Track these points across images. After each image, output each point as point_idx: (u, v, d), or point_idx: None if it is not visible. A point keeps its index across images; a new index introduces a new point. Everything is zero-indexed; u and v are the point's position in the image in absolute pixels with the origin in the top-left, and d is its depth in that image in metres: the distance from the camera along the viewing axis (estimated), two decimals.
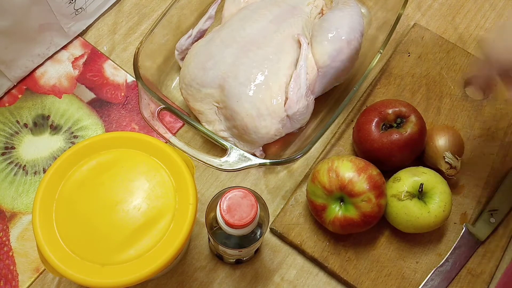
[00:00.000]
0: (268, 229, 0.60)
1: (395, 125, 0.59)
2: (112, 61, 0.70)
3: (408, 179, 0.56)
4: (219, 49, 0.59)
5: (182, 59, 0.65)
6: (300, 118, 0.59)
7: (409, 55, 0.70)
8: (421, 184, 0.55)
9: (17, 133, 0.64)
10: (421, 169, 0.57)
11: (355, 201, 0.53)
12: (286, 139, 0.63)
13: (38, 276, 0.57)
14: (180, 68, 0.64)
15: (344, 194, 0.54)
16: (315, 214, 0.57)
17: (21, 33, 0.61)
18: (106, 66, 0.69)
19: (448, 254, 0.59)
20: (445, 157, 0.58)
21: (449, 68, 0.69)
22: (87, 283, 0.43)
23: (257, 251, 0.59)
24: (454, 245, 0.59)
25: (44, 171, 0.62)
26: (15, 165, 0.63)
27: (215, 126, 0.61)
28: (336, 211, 0.55)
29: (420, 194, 0.55)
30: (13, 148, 0.63)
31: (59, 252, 0.44)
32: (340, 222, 0.55)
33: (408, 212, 0.55)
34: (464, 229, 0.60)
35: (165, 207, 0.47)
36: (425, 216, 0.54)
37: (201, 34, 0.65)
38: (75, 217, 0.46)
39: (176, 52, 0.65)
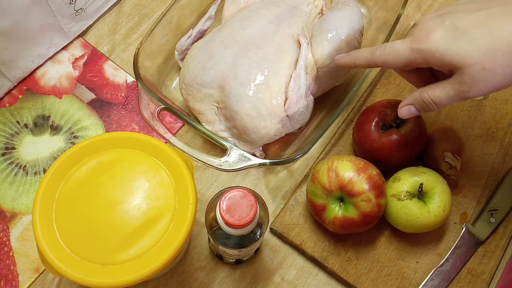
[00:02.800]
0: (268, 229, 0.60)
1: (395, 125, 0.59)
2: (112, 61, 0.70)
3: (408, 179, 0.56)
4: (219, 49, 0.59)
5: (182, 59, 0.65)
6: (300, 118, 0.59)
7: None
8: (421, 184, 0.55)
9: (17, 133, 0.64)
10: (421, 169, 0.57)
11: (355, 201, 0.53)
12: (286, 139, 0.63)
13: (38, 276, 0.57)
14: (180, 68, 0.64)
15: (344, 194, 0.54)
16: (315, 214, 0.57)
17: (22, 33, 0.61)
18: (106, 66, 0.69)
19: (448, 254, 0.59)
20: (445, 157, 0.58)
21: None
22: (87, 283, 0.43)
23: (257, 251, 0.59)
24: (454, 245, 0.59)
25: (44, 171, 0.63)
26: (16, 166, 0.63)
27: (215, 126, 0.61)
28: (336, 211, 0.55)
29: (420, 194, 0.55)
30: (13, 148, 0.64)
31: (59, 252, 0.44)
32: (340, 222, 0.55)
33: (408, 212, 0.55)
34: (464, 229, 0.60)
35: (165, 207, 0.47)
36: (425, 216, 0.54)
37: (201, 34, 0.65)
38: (75, 217, 0.46)
39: (176, 53, 0.65)
